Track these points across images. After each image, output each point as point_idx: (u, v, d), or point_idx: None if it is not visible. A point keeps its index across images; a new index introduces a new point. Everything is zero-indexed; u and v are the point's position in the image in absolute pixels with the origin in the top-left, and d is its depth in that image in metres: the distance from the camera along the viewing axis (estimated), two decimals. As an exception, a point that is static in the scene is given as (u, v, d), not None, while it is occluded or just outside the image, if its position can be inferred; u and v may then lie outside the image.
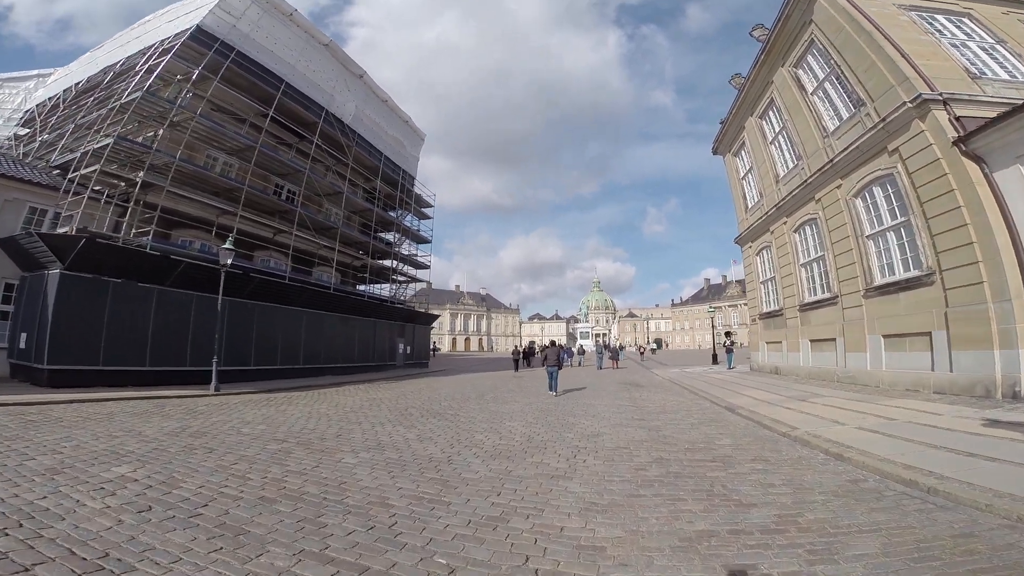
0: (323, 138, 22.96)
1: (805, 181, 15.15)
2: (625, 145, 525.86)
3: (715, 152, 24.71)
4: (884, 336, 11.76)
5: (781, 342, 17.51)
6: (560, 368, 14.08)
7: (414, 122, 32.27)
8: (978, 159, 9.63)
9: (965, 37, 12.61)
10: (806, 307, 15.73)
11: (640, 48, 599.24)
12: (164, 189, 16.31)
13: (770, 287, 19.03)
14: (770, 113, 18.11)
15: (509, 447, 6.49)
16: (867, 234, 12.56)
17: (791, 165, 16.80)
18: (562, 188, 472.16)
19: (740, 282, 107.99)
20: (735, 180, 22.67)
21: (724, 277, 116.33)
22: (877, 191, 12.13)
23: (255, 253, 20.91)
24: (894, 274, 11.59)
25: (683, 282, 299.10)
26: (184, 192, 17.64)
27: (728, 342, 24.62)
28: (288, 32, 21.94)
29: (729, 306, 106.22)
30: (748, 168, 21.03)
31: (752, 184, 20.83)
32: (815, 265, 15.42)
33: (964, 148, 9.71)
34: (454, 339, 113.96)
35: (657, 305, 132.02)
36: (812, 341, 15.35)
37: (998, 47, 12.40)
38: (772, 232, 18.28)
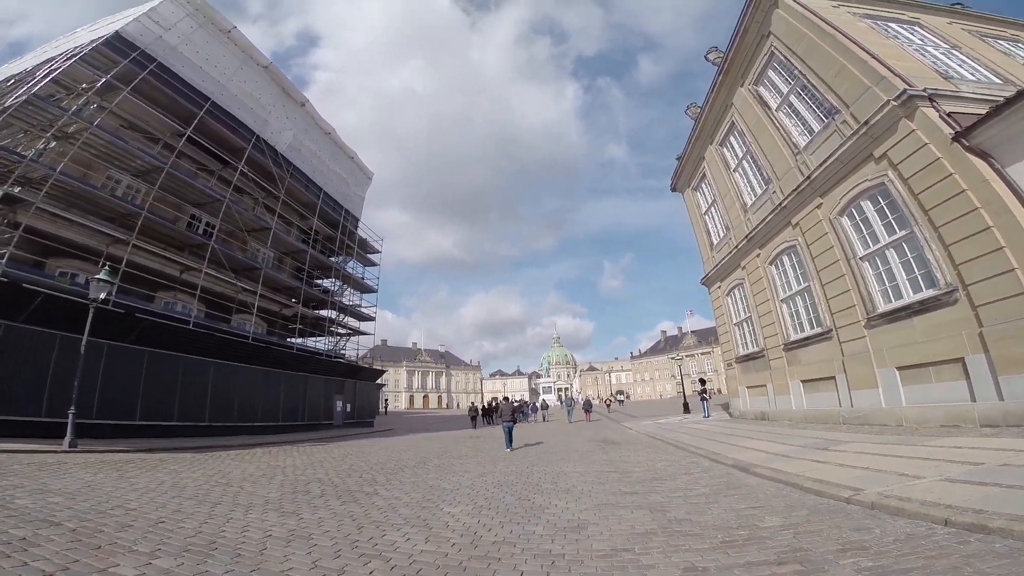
0: (252, 167, 20.54)
1: (779, 205, 13.98)
2: (581, 199, 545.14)
3: (673, 189, 23.94)
4: (899, 368, 10.03)
5: (765, 385, 15.67)
6: (515, 423, 14.13)
7: (361, 159, 30.39)
8: (984, 154, 8.49)
9: (921, 43, 12.34)
10: (793, 346, 14.08)
11: (596, 101, 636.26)
12: (33, 206, 13.31)
13: (746, 328, 17.47)
14: (731, 138, 17.34)
15: (436, 558, 3.81)
16: (861, 255, 11.18)
17: (760, 191, 15.78)
18: (521, 243, 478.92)
19: (696, 332, 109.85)
20: (697, 217, 21.74)
21: (680, 328, 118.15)
22: (866, 205, 10.89)
23: (158, 293, 17.56)
24: (902, 297, 10.06)
25: (639, 336, 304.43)
26: (69, 215, 14.65)
27: (702, 389, 22.69)
28: (224, 50, 20.01)
29: (687, 356, 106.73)
30: (711, 201, 20.12)
31: (716, 218, 19.84)
32: (799, 299, 13.95)
33: (967, 143, 8.58)
34: (411, 396, 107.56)
35: (616, 358, 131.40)
36: (804, 382, 13.56)
37: (954, 52, 12.20)
38: (744, 267, 16.98)
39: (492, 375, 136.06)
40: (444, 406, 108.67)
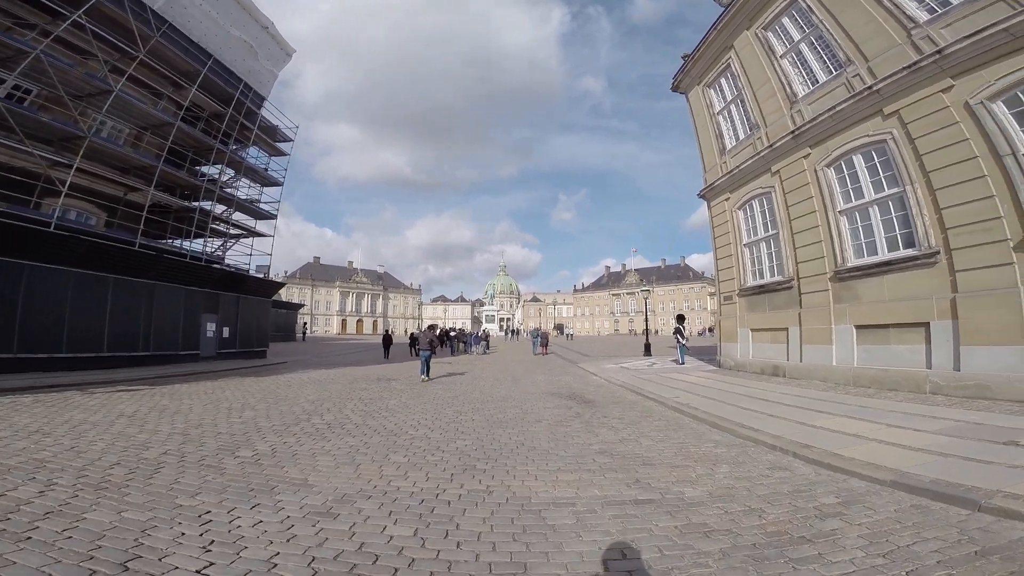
0: (104, 22, 14.02)
1: (865, 90, 9.54)
2: (550, 131, 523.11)
3: (676, 88, 18.78)
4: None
5: (787, 329, 11.90)
6: (433, 353, 14.23)
7: (277, 30, 22.45)
8: None
9: None
10: (851, 274, 10.08)
11: (582, 30, 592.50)
12: None
13: (764, 249, 13.43)
14: (784, 20, 12.54)
15: None
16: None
17: (825, 78, 11.27)
18: (482, 168, 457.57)
19: (639, 271, 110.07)
20: (706, 117, 16.90)
21: (624, 266, 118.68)
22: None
23: None
24: None
25: (583, 271, 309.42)
26: None
27: (677, 328, 18.99)
28: None
29: (627, 294, 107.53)
30: (731, 98, 15.36)
31: (737, 117, 15.18)
32: (874, 209, 9.78)
33: None
34: (344, 320, 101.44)
35: (559, 291, 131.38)
36: (861, 328, 9.75)
37: None
38: (776, 172, 12.61)
39: (434, 300, 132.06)
40: (380, 332, 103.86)
